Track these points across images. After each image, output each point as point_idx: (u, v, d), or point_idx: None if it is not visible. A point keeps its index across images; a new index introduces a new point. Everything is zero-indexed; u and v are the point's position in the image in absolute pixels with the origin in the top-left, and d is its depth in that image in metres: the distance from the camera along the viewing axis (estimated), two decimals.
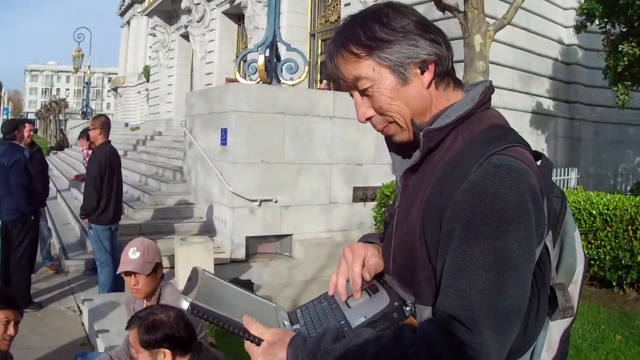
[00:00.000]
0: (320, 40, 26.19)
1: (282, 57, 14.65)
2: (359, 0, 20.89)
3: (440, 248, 1.86)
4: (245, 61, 15.01)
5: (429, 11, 14.92)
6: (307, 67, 14.96)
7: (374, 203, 14.37)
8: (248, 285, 9.99)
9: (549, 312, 2.04)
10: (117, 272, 5.32)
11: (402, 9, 2.07)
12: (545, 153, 16.36)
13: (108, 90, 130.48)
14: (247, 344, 1.95)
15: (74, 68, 55.70)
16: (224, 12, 33.50)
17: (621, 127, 24.07)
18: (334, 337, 1.87)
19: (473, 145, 1.93)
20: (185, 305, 1.92)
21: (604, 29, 17.29)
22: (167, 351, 3.99)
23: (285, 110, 13.48)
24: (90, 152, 12.22)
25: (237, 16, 33.02)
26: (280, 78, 14.26)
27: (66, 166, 29.53)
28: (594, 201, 10.27)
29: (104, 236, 9.89)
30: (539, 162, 2.06)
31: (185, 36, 38.59)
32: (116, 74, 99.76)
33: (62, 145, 44.47)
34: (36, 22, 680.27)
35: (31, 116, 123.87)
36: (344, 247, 2.28)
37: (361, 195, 14.64)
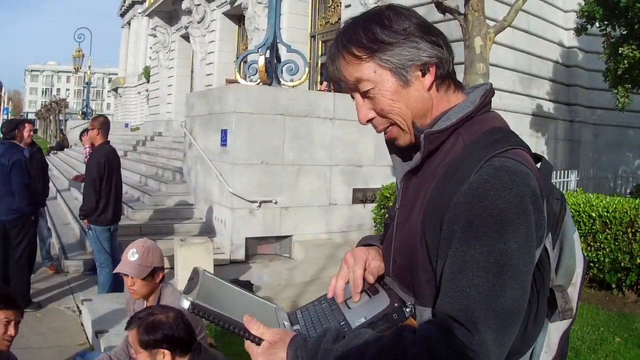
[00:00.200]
0: (320, 42, 26.20)
1: (283, 59, 14.65)
2: (360, 2, 20.89)
3: (441, 250, 1.87)
4: (245, 62, 15.03)
5: (430, 13, 14.93)
6: (307, 69, 14.94)
7: (374, 204, 14.37)
8: (248, 286, 9.98)
9: (548, 314, 2.05)
10: (113, 272, 5.32)
11: (403, 11, 2.09)
12: (545, 155, 16.34)
13: (108, 91, 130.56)
14: (247, 344, 1.96)
15: (74, 68, 55.68)
16: (225, 13, 33.51)
17: (621, 129, 24.07)
18: (334, 338, 1.87)
19: (474, 148, 1.94)
20: (186, 304, 1.92)
21: (605, 32, 17.29)
22: (167, 351, 4.00)
23: (285, 112, 13.48)
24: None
25: (237, 17, 33.03)
26: (280, 79, 14.25)
27: (66, 166, 29.53)
28: (594, 203, 10.28)
29: (103, 237, 9.89)
30: (538, 165, 2.07)
31: (186, 37, 38.60)
32: (116, 74, 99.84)
33: (62, 145, 44.47)
34: (36, 22, 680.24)
35: (31, 116, 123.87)
36: (345, 251, 2.29)
37: (361, 196, 14.64)
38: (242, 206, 13.07)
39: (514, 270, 1.76)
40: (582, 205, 10.31)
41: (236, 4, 30.29)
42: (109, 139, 10.31)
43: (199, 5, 34.19)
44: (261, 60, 13.87)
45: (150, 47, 52.25)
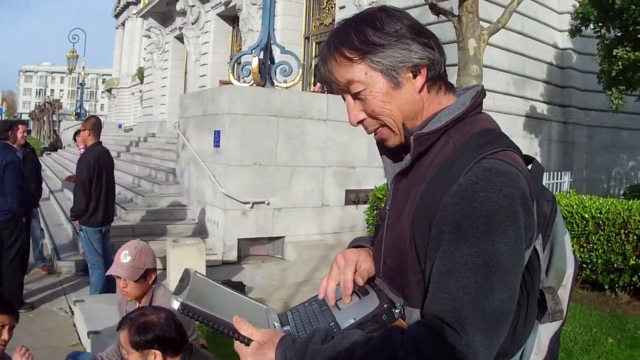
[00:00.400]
0: (314, 43, 26.16)
1: (276, 60, 14.64)
2: (354, 3, 20.90)
3: (430, 251, 1.88)
4: (239, 63, 15.04)
5: (424, 15, 14.95)
6: (301, 70, 14.94)
7: (366, 206, 14.39)
8: (240, 287, 9.98)
9: (538, 316, 2.05)
10: (106, 274, 5.31)
11: (395, 13, 2.09)
12: (539, 157, 16.47)
13: (102, 92, 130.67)
14: (237, 344, 1.97)
15: (69, 69, 55.54)
16: (219, 15, 33.50)
17: (615, 131, 24.09)
18: (322, 338, 1.88)
19: (464, 150, 1.95)
20: (176, 305, 1.94)
21: (599, 33, 17.31)
22: (158, 352, 4.01)
23: (278, 113, 13.47)
24: None
25: (231, 18, 33.02)
26: (274, 80, 14.24)
27: (59, 167, 29.51)
28: (587, 205, 10.29)
29: (94, 238, 9.88)
30: (529, 166, 2.07)
31: (180, 38, 38.57)
32: (110, 75, 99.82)
33: (55, 146, 44.41)
34: (31, 22, 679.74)
35: (25, 117, 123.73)
36: (336, 252, 2.30)
37: (353, 198, 14.65)
38: (235, 207, 13.06)
39: (502, 271, 1.76)
40: (575, 207, 10.33)
41: (230, 5, 30.31)
42: (101, 140, 10.30)
43: (193, 6, 34.19)
44: (255, 62, 13.86)
45: (145, 48, 52.32)
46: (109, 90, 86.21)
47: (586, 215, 10.13)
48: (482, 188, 1.80)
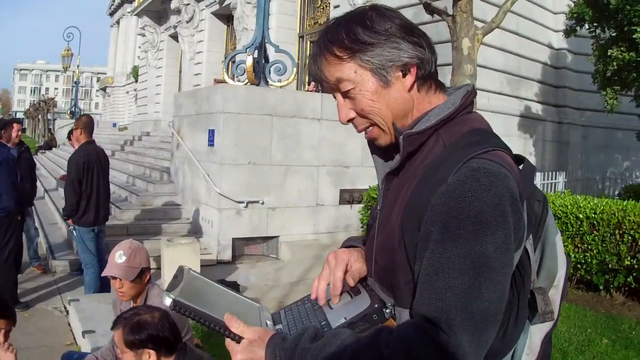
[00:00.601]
0: (309, 42, 26.16)
1: (271, 59, 14.63)
2: (348, 2, 20.90)
3: (418, 251, 1.88)
4: (233, 62, 15.02)
5: (418, 14, 14.96)
6: (295, 69, 14.93)
7: (361, 205, 14.39)
8: (234, 287, 9.95)
9: (529, 316, 2.05)
10: (102, 275, 5.30)
11: (386, 12, 2.09)
12: (534, 157, 16.49)
13: (97, 90, 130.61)
14: (228, 342, 1.98)
15: (63, 67, 55.47)
16: (213, 13, 33.51)
17: (609, 131, 24.14)
18: (311, 337, 1.89)
19: (453, 149, 1.94)
20: (168, 301, 1.95)
21: (594, 34, 17.31)
22: (152, 351, 4.02)
23: (273, 112, 13.46)
24: None
25: (226, 17, 33.05)
26: (268, 79, 14.23)
27: (54, 166, 29.45)
28: (581, 205, 10.29)
29: (87, 237, 9.87)
30: (521, 166, 2.07)
31: (175, 36, 38.56)
32: (105, 73, 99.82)
33: (50, 144, 44.44)
34: (26, 20, 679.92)
35: (20, 115, 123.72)
36: (328, 252, 2.29)
37: (348, 197, 14.65)
38: (229, 206, 13.05)
39: (490, 272, 1.76)
40: (569, 207, 10.32)
41: (225, 3, 30.28)
42: (93, 139, 10.30)
43: (187, 4, 34.19)
44: (249, 61, 13.85)
45: (139, 47, 52.33)
46: (104, 89, 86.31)
47: (581, 216, 10.13)
48: (470, 188, 1.79)
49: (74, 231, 9.98)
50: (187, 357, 4.24)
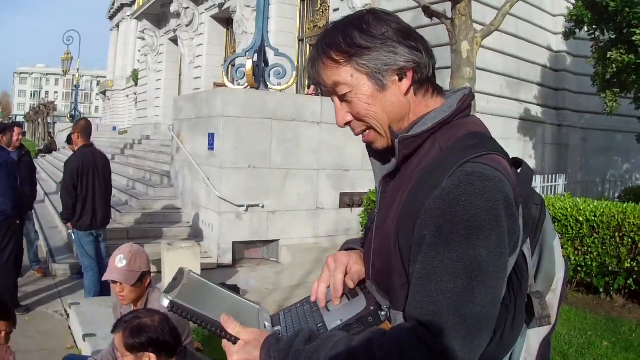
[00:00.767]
0: (308, 46, 26.14)
1: (270, 62, 14.64)
2: (348, 5, 20.95)
3: (412, 255, 1.88)
4: (233, 66, 15.06)
5: (417, 17, 14.97)
6: (295, 73, 14.91)
7: (361, 209, 14.38)
8: (235, 290, 9.96)
9: (527, 320, 2.06)
10: (103, 279, 5.30)
11: (384, 16, 2.10)
12: (533, 159, 16.47)
13: (97, 94, 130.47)
14: (225, 343, 2.01)
15: (63, 71, 55.42)
16: (213, 17, 33.54)
17: (609, 134, 24.15)
18: (306, 339, 1.90)
19: (449, 153, 1.95)
20: (165, 302, 1.97)
21: (593, 36, 17.34)
22: (152, 355, 4.02)
23: (272, 116, 13.47)
24: None
25: (226, 21, 33.07)
26: (268, 83, 14.23)
27: (54, 169, 29.43)
28: (581, 208, 10.28)
29: (86, 241, 9.87)
30: (519, 170, 2.08)
31: (174, 40, 38.60)
32: (105, 77, 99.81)
33: (50, 148, 44.41)
34: (25, 24, 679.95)
35: (20, 119, 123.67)
36: (328, 255, 2.31)
37: (348, 201, 14.66)
38: (230, 210, 13.06)
39: (483, 276, 1.76)
40: (569, 210, 10.31)
41: (224, 7, 30.35)
42: (92, 142, 10.31)
43: (187, 8, 34.23)
44: (249, 64, 13.85)
45: (139, 50, 52.27)
46: (104, 93, 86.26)
47: (581, 218, 10.12)
48: (464, 192, 1.80)
49: (73, 234, 10.00)
50: None
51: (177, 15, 35.35)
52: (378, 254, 2.09)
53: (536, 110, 22.17)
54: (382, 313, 1.99)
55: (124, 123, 67.82)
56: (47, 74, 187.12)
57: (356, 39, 2.02)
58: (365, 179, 14.70)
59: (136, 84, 54.41)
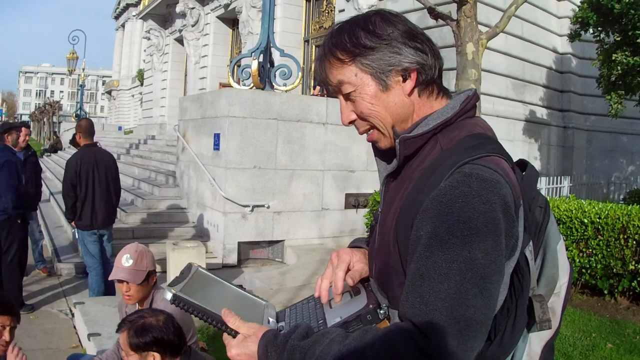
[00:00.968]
0: (314, 46, 26.13)
1: (276, 63, 14.65)
2: (353, 6, 20.93)
3: (409, 255, 1.90)
4: (239, 66, 15.03)
5: (423, 19, 14.96)
6: (300, 73, 14.90)
7: (366, 210, 14.37)
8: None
9: (528, 324, 2.06)
10: (109, 279, 5.31)
11: (390, 17, 2.12)
12: (538, 161, 16.44)
13: (102, 93, 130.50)
14: (225, 336, 2.06)
15: (69, 70, 55.39)
16: (219, 17, 33.54)
17: (614, 135, 24.10)
18: (302, 335, 1.93)
19: (449, 154, 1.96)
20: (168, 295, 2.02)
21: (598, 38, 17.32)
22: (157, 354, 4.05)
23: (278, 116, 13.49)
24: None
25: (231, 21, 33.08)
26: (273, 83, 14.23)
27: (59, 169, 29.41)
28: (586, 210, 10.27)
29: (88, 240, 9.90)
30: (524, 172, 2.11)
31: (180, 40, 38.61)
32: (110, 76, 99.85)
33: (55, 147, 44.47)
34: (31, 23, 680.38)
35: (25, 118, 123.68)
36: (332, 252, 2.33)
37: (353, 201, 14.65)
38: (235, 210, 13.08)
39: (477, 278, 1.76)
40: (574, 212, 10.30)
41: (230, 7, 30.34)
42: (95, 141, 10.33)
43: (193, 8, 34.21)
44: (254, 65, 13.85)
45: (144, 50, 52.32)
46: (109, 92, 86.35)
47: (585, 220, 10.11)
48: (461, 193, 1.80)
49: (77, 233, 10.04)
50: (192, 359, 4.28)
51: (183, 15, 35.35)
52: (378, 252, 2.11)
53: (541, 112, 22.13)
54: (381, 311, 2.01)
55: (129, 123, 67.90)
56: (52, 74, 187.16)
57: (361, 39, 2.05)
58: (370, 179, 14.72)
59: (142, 84, 54.51)
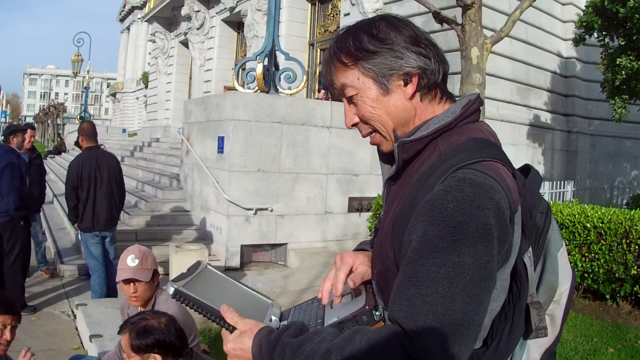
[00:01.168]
0: (319, 50, 26.17)
1: (281, 66, 14.68)
2: (359, 10, 20.94)
3: (402, 257, 1.90)
4: (243, 69, 15.04)
5: (428, 23, 14.96)
6: (305, 77, 14.93)
7: (370, 213, 14.37)
8: None
9: (526, 331, 2.06)
10: (117, 280, 5.33)
11: (395, 22, 2.14)
12: (542, 165, 16.42)
13: (107, 96, 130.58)
14: (223, 331, 2.10)
15: (73, 72, 55.44)
16: (224, 20, 33.56)
17: (618, 140, 24.04)
18: (295, 332, 1.96)
19: (446, 158, 1.97)
20: (170, 290, 2.06)
21: (603, 42, 17.28)
22: (158, 356, 4.05)
23: (282, 120, 13.51)
24: None
25: (236, 24, 33.10)
26: (278, 87, 14.27)
27: (63, 171, 29.34)
28: (589, 214, 10.27)
29: (90, 242, 9.91)
30: (527, 177, 2.12)
31: (185, 43, 38.61)
32: (115, 79, 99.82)
33: (59, 149, 44.54)
34: (36, 25, 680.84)
35: (29, 120, 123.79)
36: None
37: (357, 205, 14.66)
38: (238, 213, 13.09)
39: (466, 283, 1.75)
40: (577, 216, 10.30)
41: (235, 11, 30.36)
42: (99, 144, 10.37)
43: (198, 11, 34.23)
44: (259, 68, 13.88)
45: (149, 53, 52.34)
46: (114, 95, 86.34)
47: (588, 225, 10.11)
48: (453, 198, 1.81)
49: (79, 235, 10.07)
50: None
51: (188, 18, 35.39)
52: (378, 255, 2.13)
53: (545, 117, 22.10)
54: (377, 313, 2.02)
55: (134, 125, 67.90)
56: (57, 76, 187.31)
57: (364, 43, 2.08)
58: (374, 183, 14.73)
59: (146, 87, 54.44)
